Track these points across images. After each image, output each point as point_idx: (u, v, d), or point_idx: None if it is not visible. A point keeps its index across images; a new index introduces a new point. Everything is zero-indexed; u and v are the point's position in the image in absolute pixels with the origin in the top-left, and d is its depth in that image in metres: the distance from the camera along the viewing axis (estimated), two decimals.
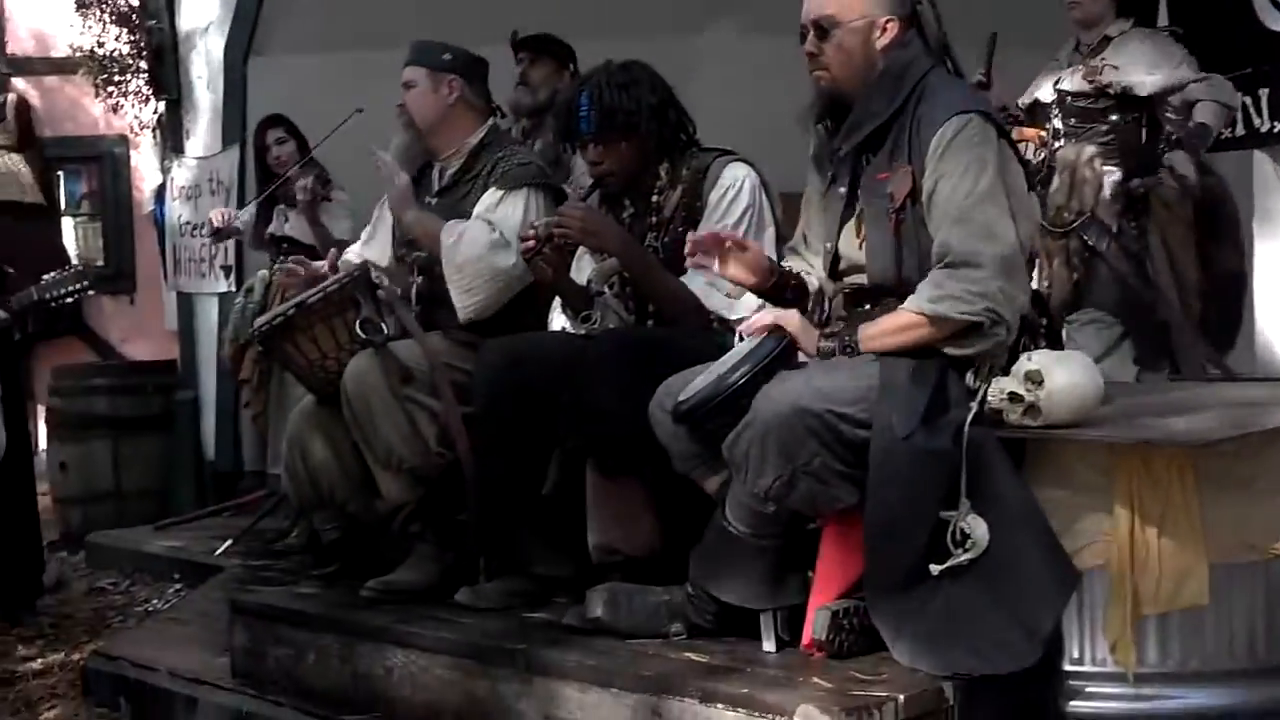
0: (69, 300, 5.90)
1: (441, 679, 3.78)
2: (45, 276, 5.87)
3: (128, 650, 5.08)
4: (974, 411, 3.19)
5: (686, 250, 3.56)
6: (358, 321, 4.32)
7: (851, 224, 3.47)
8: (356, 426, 4.33)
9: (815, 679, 3.18)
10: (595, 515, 3.79)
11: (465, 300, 4.37)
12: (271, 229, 6.76)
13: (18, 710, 5.01)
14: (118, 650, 5.11)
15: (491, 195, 4.47)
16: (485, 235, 4.36)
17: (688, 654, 3.43)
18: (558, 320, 4.28)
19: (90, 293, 6.01)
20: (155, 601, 6.36)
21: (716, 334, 3.86)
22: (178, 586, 6.51)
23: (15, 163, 9.76)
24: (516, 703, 3.57)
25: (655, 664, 3.38)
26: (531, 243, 3.99)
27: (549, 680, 3.50)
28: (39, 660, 5.61)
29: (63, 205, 10.30)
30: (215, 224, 6.78)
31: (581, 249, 4.19)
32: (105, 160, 10.15)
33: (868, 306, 3.43)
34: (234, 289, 7.57)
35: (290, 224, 6.77)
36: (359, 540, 4.66)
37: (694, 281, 3.90)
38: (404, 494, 4.34)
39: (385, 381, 4.26)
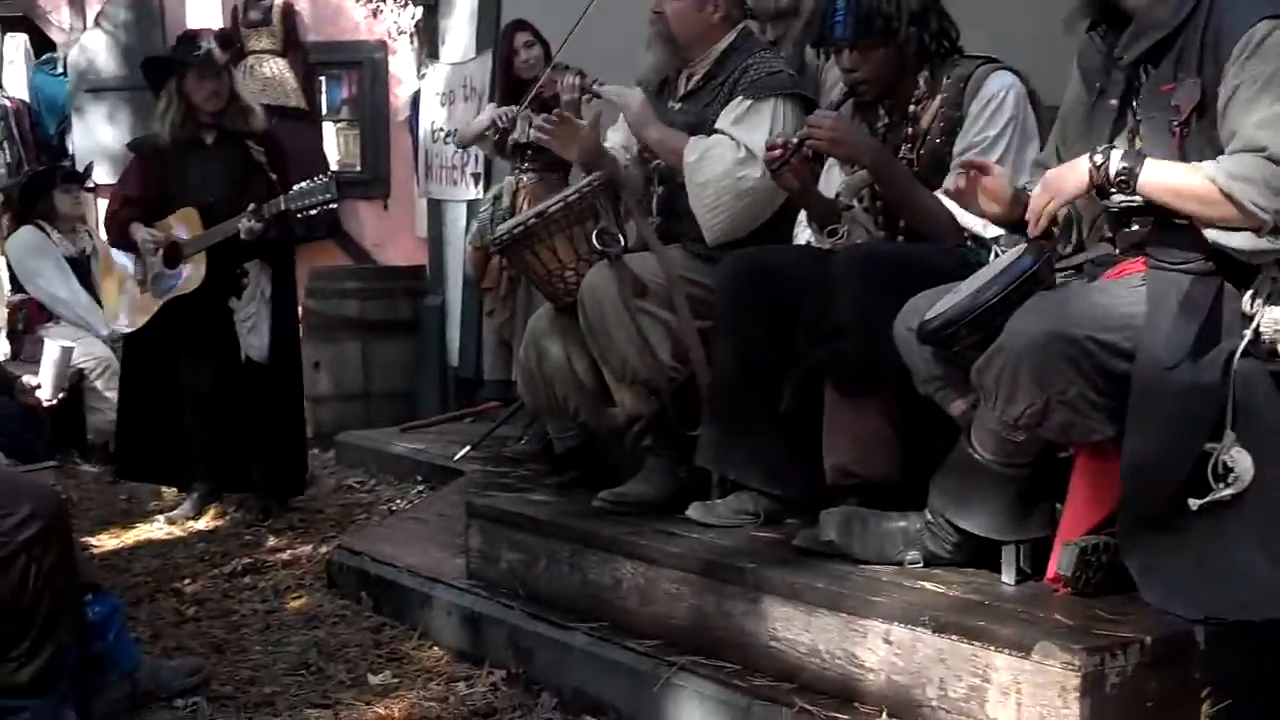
0: (313, 212, 6.01)
1: (669, 593, 3.76)
2: (296, 186, 5.98)
3: (370, 546, 5.20)
4: (1246, 340, 2.99)
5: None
6: (595, 231, 4.26)
7: (1123, 138, 3.26)
8: (592, 337, 4.31)
9: (1056, 615, 3.05)
10: (833, 436, 3.69)
11: (711, 220, 4.29)
12: (515, 136, 6.74)
13: (266, 598, 5.19)
14: (361, 546, 5.24)
15: (739, 105, 4.35)
16: (730, 153, 4.26)
17: (923, 583, 3.32)
18: (803, 234, 4.16)
19: (334, 205, 6.09)
20: (398, 501, 6.49)
21: (969, 252, 3.70)
22: (420, 488, 6.64)
23: (281, 68, 10.06)
24: (743, 620, 3.52)
25: (888, 591, 3.28)
26: (778, 153, 3.86)
27: (777, 600, 3.44)
28: (288, 552, 5.79)
29: (324, 110, 10.49)
30: (500, 124, 6.75)
31: (830, 160, 4.06)
32: (365, 66, 10.27)
33: (1135, 226, 3.23)
34: (482, 195, 7.60)
35: (534, 130, 6.73)
36: (593, 450, 4.65)
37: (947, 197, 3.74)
38: (637, 406, 4.30)
39: (619, 293, 4.20)
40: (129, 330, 6.48)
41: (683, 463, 4.24)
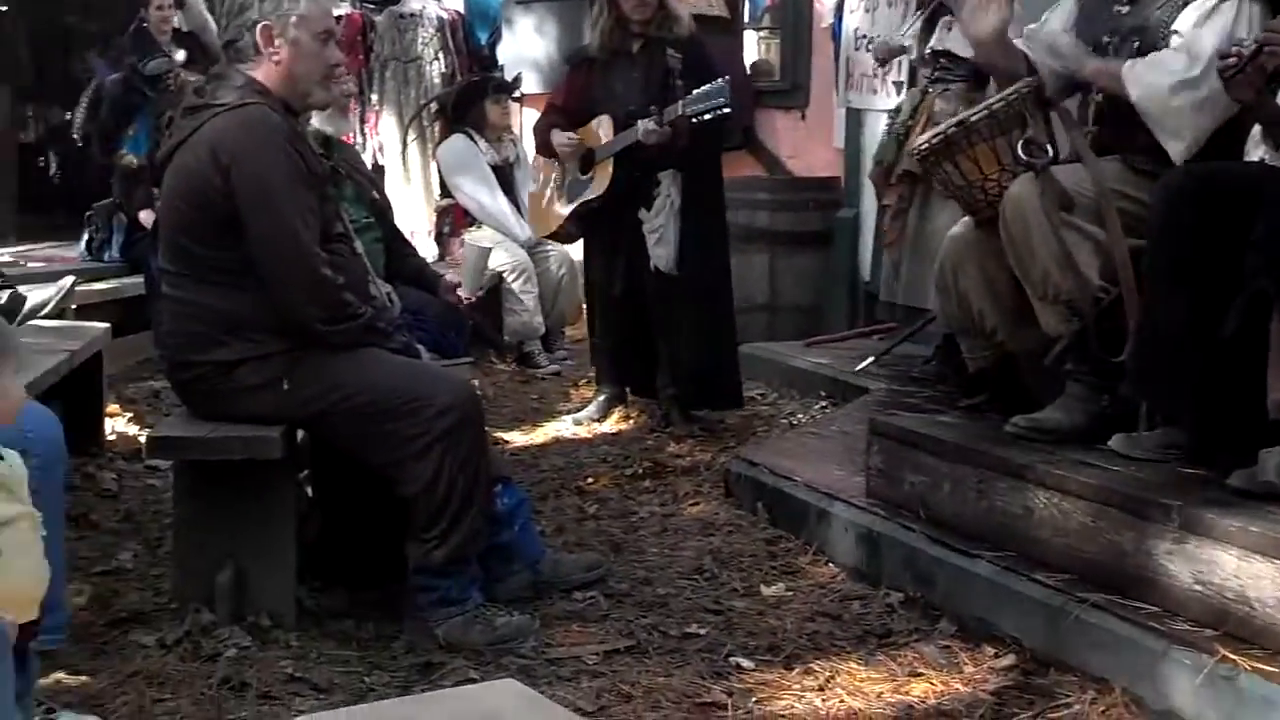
0: (708, 116, 5.91)
1: (1085, 525, 3.58)
2: (693, 92, 5.92)
3: (769, 459, 5.18)
4: None
5: None
6: (1020, 141, 4.03)
7: None
8: (1013, 251, 4.10)
9: None
10: (1277, 367, 3.39)
11: (1172, 144, 3.94)
12: (931, 43, 6.50)
13: (665, 502, 5.26)
14: (759, 458, 5.22)
15: (1201, 4, 4.00)
16: (1172, 71, 3.91)
17: None
18: (1255, 150, 3.83)
19: (728, 110, 5.97)
20: (799, 415, 6.43)
21: None
22: (823, 404, 6.55)
23: None
24: (1166, 560, 3.32)
25: None
26: (1233, 60, 3.55)
27: (1205, 542, 3.22)
28: (688, 459, 5.83)
29: (745, 19, 10.45)
30: (878, 56, 6.59)
31: None
32: None
33: None
34: None
35: (953, 35, 6.48)
36: (1008, 372, 4.46)
37: None
38: (1059, 327, 4.07)
39: (1044, 207, 3.97)
40: (544, 233, 6.63)
41: (1106, 390, 4.02)
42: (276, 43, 3.80)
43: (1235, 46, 3.60)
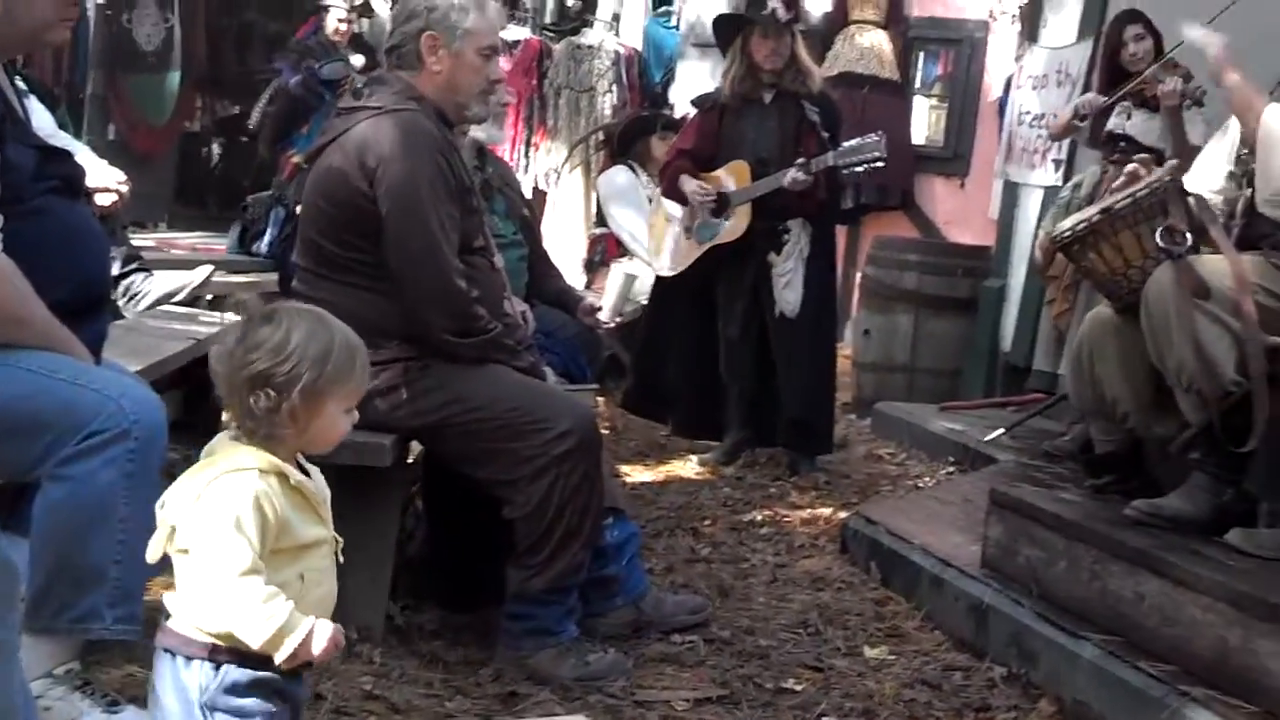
0: (859, 169, 5.96)
1: (1194, 618, 3.53)
2: (846, 144, 5.96)
3: (887, 518, 5.16)
4: None
5: None
6: (1161, 229, 3.99)
7: None
8: (1151, 338, 4.05)
9: None
10: None
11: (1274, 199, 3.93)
12: (1110, 126, 6.46)
13: (779, 551, 5.25)
14: (878, 516, 5.20)
15: None
16: None
17: None
18: None
19: (881, 165, 6.01)
20: (926, 479, 6.40)
21: None
22: (950, 469, 6.52)
23: (879, 39, 10.09)
24: (1270, 661, 3.27)
25: None
26: None
27: None
28: (807, 510, 5.84)
29: (917, 85, 10.46)
30: (1081, 112, 6.51)
31: None
32: (963, 44, 10.14)
33: None
34: (1060, 183, 7.35)
35: (1133, 122, 6.44)
36: (1134, 456, 4.42)
37: None
38: (1190, 415, 4.02)
39: (1179, 295, 3.93)
40: (670, 273, 6.68)
41: (1231, 483, 3.97)
42: (440, 53, 3.81)
43: None
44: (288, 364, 2.38)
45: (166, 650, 2.39)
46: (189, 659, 2.36)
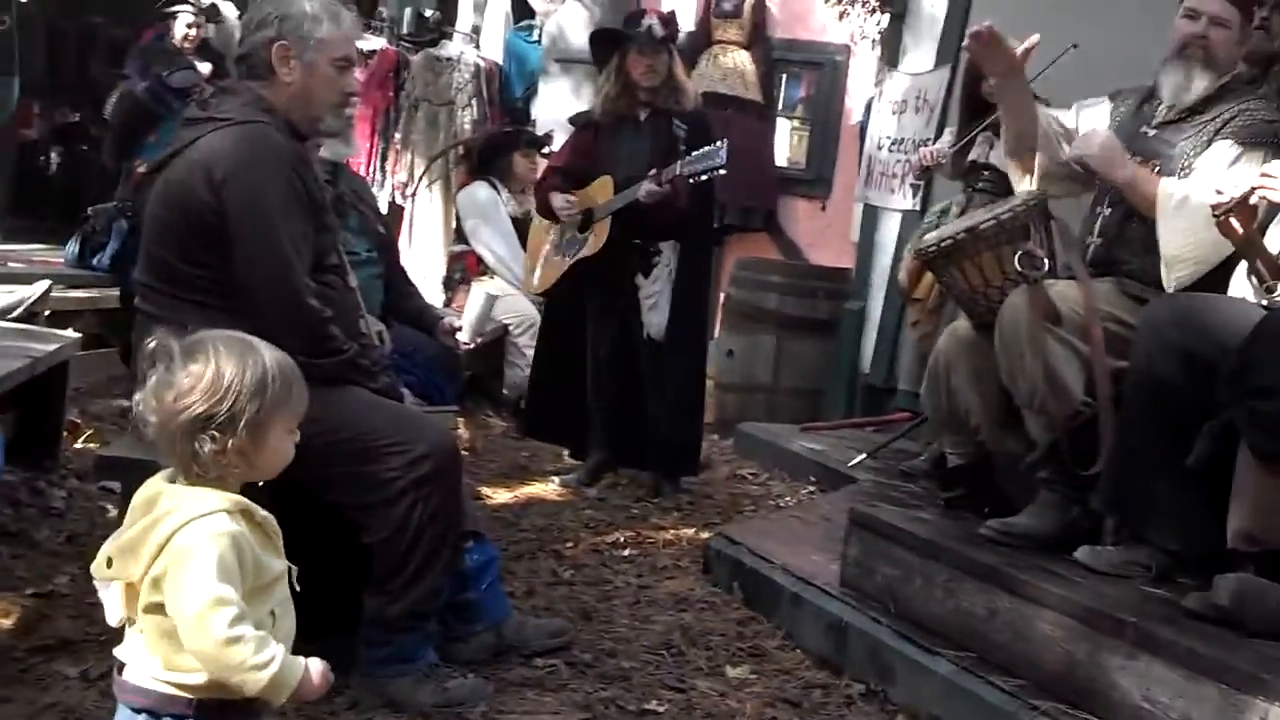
0: (704, 177, 5.99)
1: (1043, 633, 3.60)
2: (692, 153, 5.99)
3: (749, 539, 5.17)
4: None
5: None
6: (1016, 254, 4.08)
7: None
8: (1004, 359, 4.14)
9: None
10: (1241, 498, 3.44)
11: (1178, 271, 4.02)
12: (974, 156, 6.58)
13: (642, 573, 5.23)
14: (741, 536, 5.22)
15: (1226, 149, 4.08)
16: (1211, 200, 3.97)
17: None
18: (1237, 286, 3.87)
19: (723, 171, 6.05)
20: (787, 498, 6.46)
21: None
22: (811, 489, 6.59)
23: (743, 60, 10.18)
24: (1117, 675, 3.34)
25: (1276, 670, 3.04)
26: (1227, 198, 3.61)
27: (1157, 661, 3.24)
28: (670, 531, 5.83)
29: (780, 106, 10.57)
30: (924, 163, 6.63)
31: None
32: (825, 68, 10.28)
33: None
34: (918, 208, 7.48)
35: (996, 152, 6.55)
36: (984, 470, 4.52)
37: None
38: (1038, 436, 4.13)
39: (1031, 318, 4.02)
40: (539, 290, 6.69)
41: (1078, 502, 4.06)
42: (292, 64, 3.66)
43: (1230, 185, 3.66)
44: (226, 402, 2.28)
45: (141, 711, 2.31)
46: (177, 718, 2.30)
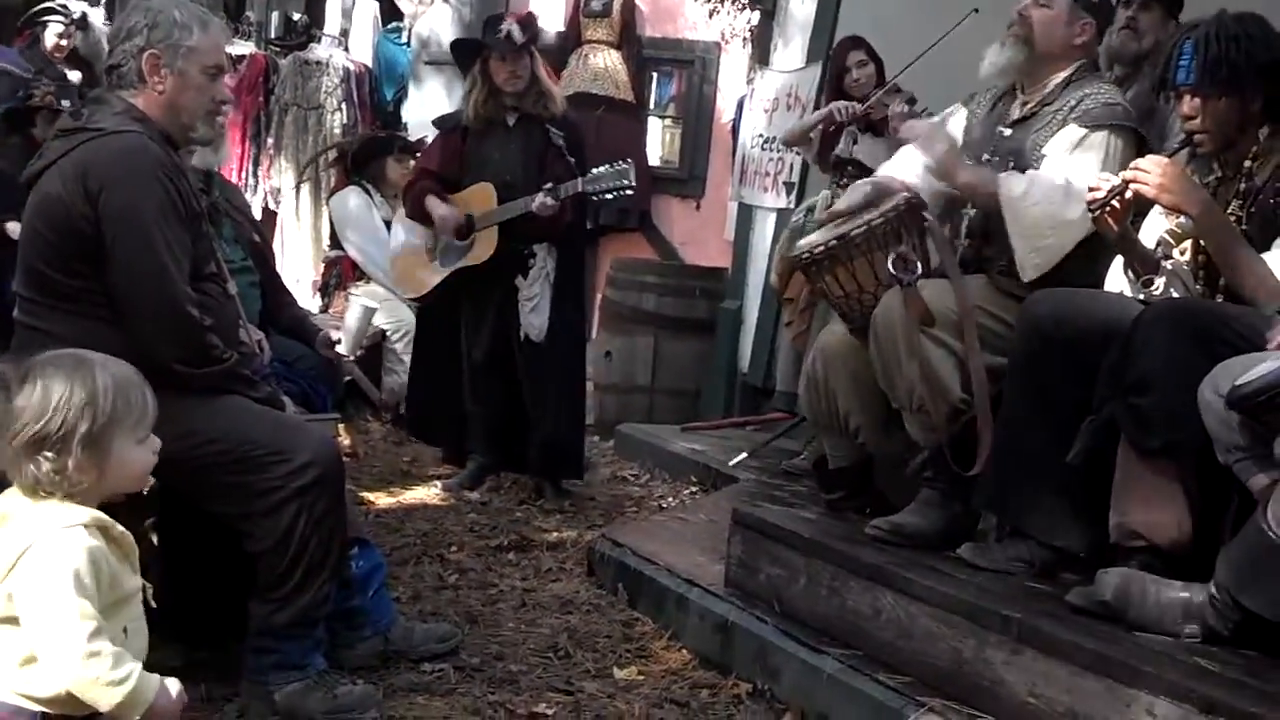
0: (609, 196, 6.03)
1: (928, 630, 3.64)
2: (594, 170, 6.02)
3: (633, 540, 5.19)
4: None
5: None
6: (890, 258, 4.13)
7: None
8: (880, 364, 4.20)
9: None
10: (1122, 494, 3.50)
11: (1031, 259, 4.11)
12: (839, 151, 6.65)
13: (527, 576, 5.23)
14: (624, 538, 5.23)
15: (1071, 132, 4.18)
16: (1055, 191, 4.08)
17: (1197, 659, 3.13)
18: (1115, 281, 3.96)
19: (630, 192, 6.10)
20: (669, 499, 6.50)
21: None
22: (693, 489, 6.63)
23: (614, 60, 10.21)
24: (1003, 671, 3.39)
25: (1160, 663, 3.10)
26: (1101, 193, 3.68)
27: (1041, 655, 3.29)
28: (554, 534, 5.83)
29: (651, 105, 10.60)
30: (839, 117, 6.59)
31: (1157, 208, 3.85)
32: (695, 66, 10.34)
33: None
34: (793, 206, 7.54)
35: (860, 147, 6.63)
36: (865, 471, 4.56)
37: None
38: (920, 436, 4.18)
39: (906, 320, 4.08)
40: (411, 297, 6.63)
41: (960, 499, 4.11)
42: (162, 72, 3.64)
43: (1103, 178, 3.73)
44: (55, 420, 2.31)
45: None
46: None
